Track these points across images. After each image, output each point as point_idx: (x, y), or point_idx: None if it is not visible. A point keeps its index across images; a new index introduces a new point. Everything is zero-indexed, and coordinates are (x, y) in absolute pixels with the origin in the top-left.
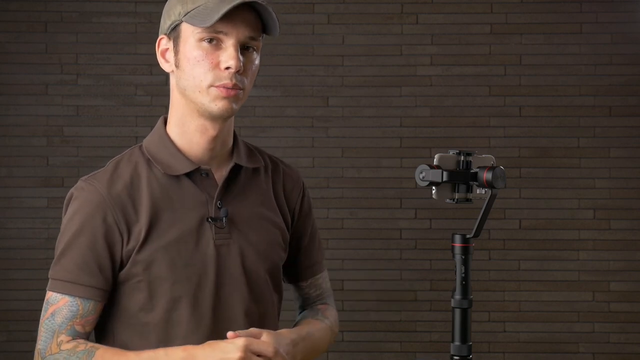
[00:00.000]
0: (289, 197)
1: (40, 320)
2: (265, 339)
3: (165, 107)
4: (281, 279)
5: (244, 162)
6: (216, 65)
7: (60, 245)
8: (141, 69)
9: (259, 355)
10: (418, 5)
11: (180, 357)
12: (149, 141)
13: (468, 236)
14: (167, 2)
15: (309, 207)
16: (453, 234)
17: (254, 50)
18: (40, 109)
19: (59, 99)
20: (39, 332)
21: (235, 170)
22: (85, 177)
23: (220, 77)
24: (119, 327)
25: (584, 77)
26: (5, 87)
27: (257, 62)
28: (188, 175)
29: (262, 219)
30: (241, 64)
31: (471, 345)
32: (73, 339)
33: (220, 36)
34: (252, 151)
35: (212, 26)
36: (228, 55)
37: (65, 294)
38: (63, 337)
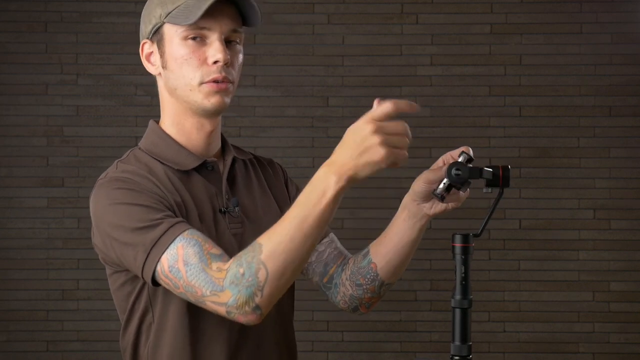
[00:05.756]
0: (279, 184)
1: (183, 284)
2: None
3: None
4: None
5: (237, 155)
6: (204, 62)
7: (127, 223)
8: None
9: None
10: (418, 5)
11: (325, 173)
12: (147, 143)
13: (469, 235)
14: (145, 8)
15: (295, 186)
16: (453, 234)
17: (237, 43)
18: (40, 109)
19: (59, 99)
20: (195, 291)
21: (233, 163)
22: (108, 169)
23: (210, 72)
24: (156, 306)
25: (584, 77)
26: (5, 87)
27: (241, 55)
28: (196, 169)
29: (265, 208)
30: (228, 56)
31: (471, 345)
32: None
33: (204, 32)
34: (235, 146)
35: (195, 23)
36: (215, 49)
37: (173, 242)
38: (215, 265)
